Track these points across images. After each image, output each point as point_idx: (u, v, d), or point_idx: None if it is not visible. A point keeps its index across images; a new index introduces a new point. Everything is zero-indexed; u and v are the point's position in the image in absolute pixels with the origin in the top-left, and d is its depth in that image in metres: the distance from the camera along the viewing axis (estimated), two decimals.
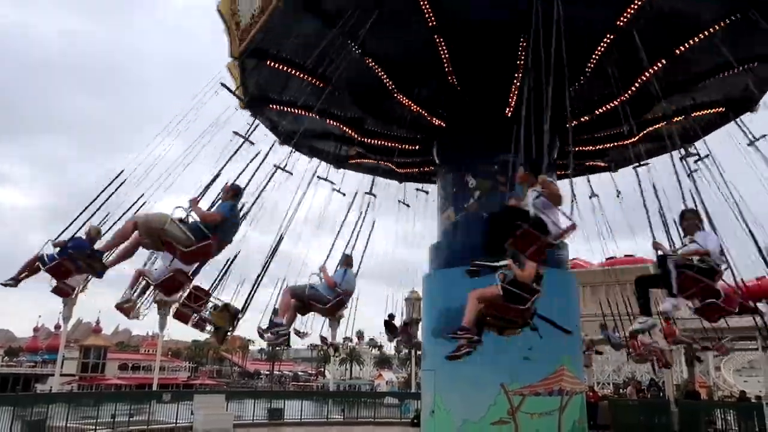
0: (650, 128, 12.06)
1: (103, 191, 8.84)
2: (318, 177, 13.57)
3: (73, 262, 7.18)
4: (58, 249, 7.54)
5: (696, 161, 11.39)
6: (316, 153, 14.24)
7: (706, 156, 11.38)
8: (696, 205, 9.16)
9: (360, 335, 79.13)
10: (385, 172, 14.84)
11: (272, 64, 10.56)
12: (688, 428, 18.51)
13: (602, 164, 14.33)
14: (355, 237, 12.78)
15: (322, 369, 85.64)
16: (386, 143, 13.22)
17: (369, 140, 13.09)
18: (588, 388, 10.98)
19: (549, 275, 11.00)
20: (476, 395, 10.13)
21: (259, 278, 11.35)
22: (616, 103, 10.80)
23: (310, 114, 11.45)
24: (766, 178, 10.17)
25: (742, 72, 10.18)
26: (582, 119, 11.55)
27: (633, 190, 12.61)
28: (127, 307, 9.44)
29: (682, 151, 11.37)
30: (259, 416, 22.39)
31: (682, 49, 9.60)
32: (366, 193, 14.56)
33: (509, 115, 10.77)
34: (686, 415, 18.76)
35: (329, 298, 8.58)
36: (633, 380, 34.50)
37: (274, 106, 12.08)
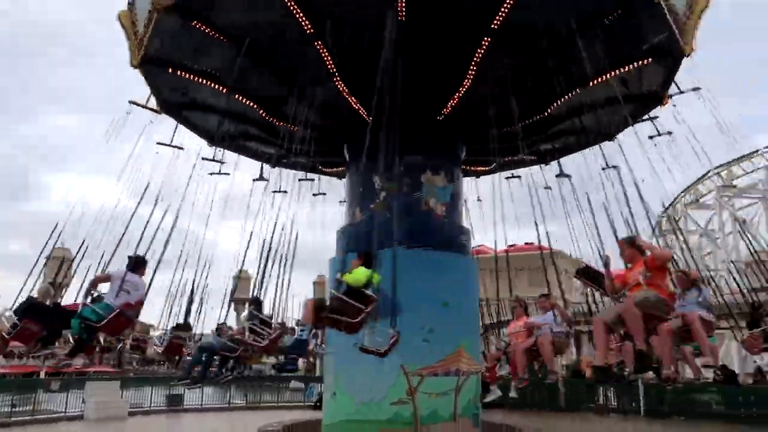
0: (557, 126, 12.85)
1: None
2: (203, 158, 12.93)
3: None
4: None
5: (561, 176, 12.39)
6: (245, 152, 13.94)
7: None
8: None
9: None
10: (303, 167, 14.81)
11: (173, 71, 10.22)
12: (572, 404, 20.01)
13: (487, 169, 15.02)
14: (270, 224, 12.61)
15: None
16: (300, 128, 13.17)
17: (283, 124, 12.98)
18: (484, 368, 11.53)
19: (450, 260, 11.50)
20: (377, 377, 10.36)
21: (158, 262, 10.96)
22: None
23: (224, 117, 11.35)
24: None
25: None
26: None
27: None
28: None
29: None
30: (158, 403, 21.65)
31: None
32: (275, 191, 14.42)
33: (419, 117, 11.13)
34: (572, 393, 20.26)
35: None
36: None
37: (177, 72, 11.53)
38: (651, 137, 11.78)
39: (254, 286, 11.34)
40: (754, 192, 34.32)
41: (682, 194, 36.41)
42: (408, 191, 11.61)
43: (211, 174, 12.78)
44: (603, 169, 11.61)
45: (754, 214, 34.73)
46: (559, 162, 13.16)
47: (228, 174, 13.21)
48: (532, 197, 11.79)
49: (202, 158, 12.62)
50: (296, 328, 11.76)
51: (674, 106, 11.39)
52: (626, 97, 11.37)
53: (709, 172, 33.52)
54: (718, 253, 35.33)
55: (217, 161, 13.02)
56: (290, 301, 14.50)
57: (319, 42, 9.63)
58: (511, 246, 24.90)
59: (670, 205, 37.09)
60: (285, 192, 14.12)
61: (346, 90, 11.07)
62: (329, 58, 10.12)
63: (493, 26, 9.22)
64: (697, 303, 7.29)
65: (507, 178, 13.83)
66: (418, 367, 10.25)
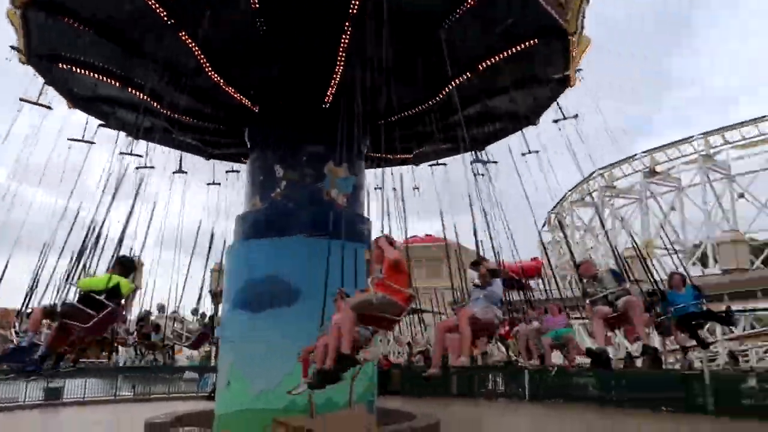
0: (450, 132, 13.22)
1: None
2: (71, 139, 12.22)
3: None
4: None
5: (484, 164, 12.83)
6: (111, 119, 13.01)
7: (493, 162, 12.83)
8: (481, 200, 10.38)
9: (161, 308, 74.87)
10: (191, 147, 14.21)
11: (66, 19, 9.42)
12: (464, 390, 20.94)
13: (409, 157, 15.26)
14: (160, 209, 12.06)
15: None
16: (195, 120, 12.64)
17: (176, 115, 12.39)
18: (382, 356, 11.71)
19: (346, 248, 11.51)
20: (274, 364, 10.23)
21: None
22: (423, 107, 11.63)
23: (110, 81, 10.60)
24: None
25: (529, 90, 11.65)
26: (391, 117, 12.13)
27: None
28: None
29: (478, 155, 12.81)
30: (34, 397, 20.05)
31: (484, 65, 10.47)
32: (175, 172, 13.81)
33: (323, 107, 11.05)
34: (463, 379, 21.17)
35: None
36: (425, 350, 37.63)
37: (65, 66, 10.75)
38: (555, 121, 12.37)
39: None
40: (631, 193, 37.36)
41: (570, 192, 38.91)
42: (310, 182, 11.56)
43: (137, 168, 12.47)
44: (479, 165, 12.12)
45: (631, 213, 37.85)
46: (476, 152, 13.41)
47: (153, 167, 12.95)
48: (439, 192, 12.10)
49: (120, 153, 12.13)
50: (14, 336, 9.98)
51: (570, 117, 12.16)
52: (530, 79, 11.86)
53: (594, 172, 36.11)
54: (599, 249, 38.17)
55: (135, 155, 12.60)
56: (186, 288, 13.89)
57: (183, 33, 9.37)
58: (413, 237, 25.55)
59: (558, 202, 39.63)
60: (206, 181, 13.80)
61: (223, 81, 10.82)
62: (198, 50, 9.87)
63: (351, 12, 9.10)
64: (484, 297, 6.61)
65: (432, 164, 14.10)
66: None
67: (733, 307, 23.17)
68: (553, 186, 12.38)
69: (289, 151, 11.69)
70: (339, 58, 10.03)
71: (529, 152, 12.59)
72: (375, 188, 14.74)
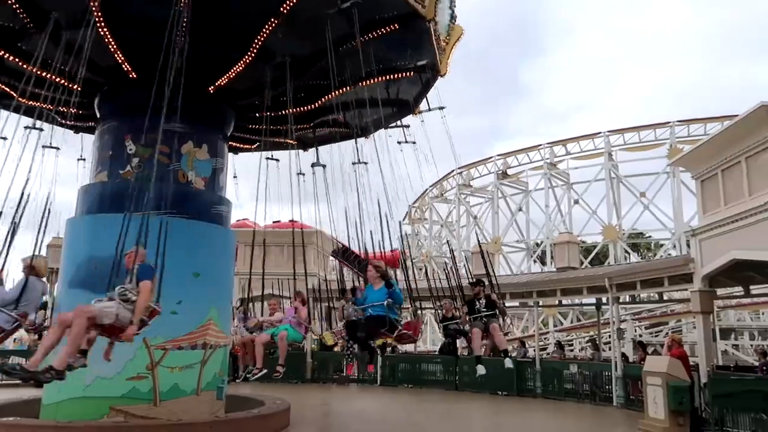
0: (323, 117, 13.18)
1: None
2: None
3: None
4: None
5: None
6: None
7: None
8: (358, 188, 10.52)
9: None
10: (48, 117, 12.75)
11: None
12: (318, 373, 21.21)
13: (291, 142, 14.95)
14: None
15: None
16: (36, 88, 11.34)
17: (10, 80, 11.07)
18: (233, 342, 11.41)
19: (205, 230, 11.08)
20: (113, 350, 9.56)
21: None
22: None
23: None
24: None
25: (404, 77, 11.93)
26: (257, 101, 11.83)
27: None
28: None
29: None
30: None
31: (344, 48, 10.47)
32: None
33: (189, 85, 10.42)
34: (319, 363, 21.45)
35: None
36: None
37: None
38: (399, 143, 12.91)
39: None
40: (485, 192, 40.00)
41: (431, 188, 40.72)
42: (165, 161, 10.93)
43: None
44: (354, 163, 12.30)
45: (483, 211, 40.54)
46: (317, 150, 13.64)
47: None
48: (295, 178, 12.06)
49: None
50: None
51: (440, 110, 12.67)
52: (388, 101, 12.29)
53: (453, 171, 38.10)
54: (454, 243, 40.43)
55: None
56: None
57: None
58: (276, 222, 25.21)
59: (419, 197, 41.26)
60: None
61: (112, 39, 9.89)
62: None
63: (282, 10, 9.14)
64: None
65: (267, 158, 13.74)
66: (163, 340, 9.73)
67: (564, 302, 25.92)
68: (416, 181, 12.88)
69: (143, 126, 10.94)
70: (252, 51, 9.64)
71: (405, 141, 12.89)
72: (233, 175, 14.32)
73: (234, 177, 14.14)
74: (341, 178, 11.83)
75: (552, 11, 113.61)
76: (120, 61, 10.46)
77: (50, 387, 10.13)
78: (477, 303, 9.42)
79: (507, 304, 21.66)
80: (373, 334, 8.09)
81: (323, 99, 12.13)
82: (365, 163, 11.70)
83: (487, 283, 9.86)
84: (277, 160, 12.76)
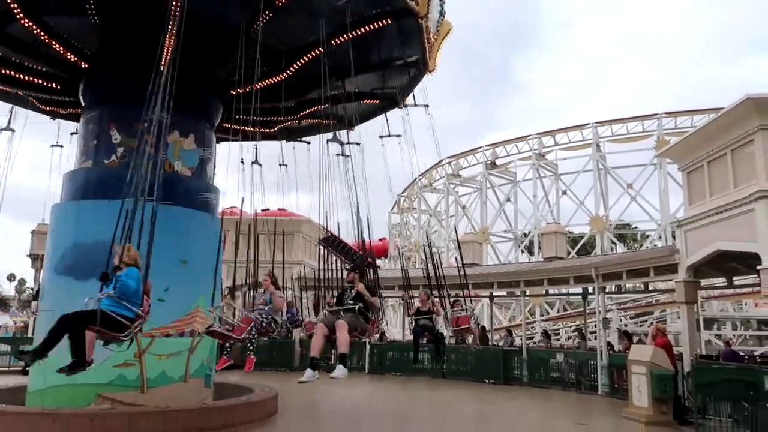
0: (308, 110, 13.14)
1: None
2: None
3: None
4: None
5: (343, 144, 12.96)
6: None
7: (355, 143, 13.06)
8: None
9: None
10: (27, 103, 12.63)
11: None
12: (307, 363, 21.19)
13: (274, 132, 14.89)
14: None
15: None
16: (19, 75, 11.19)
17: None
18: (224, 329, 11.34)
19: (193, 217, 11.01)
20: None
21: None
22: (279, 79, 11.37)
23: None
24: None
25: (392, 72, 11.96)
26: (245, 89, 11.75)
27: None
28: None
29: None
30: None
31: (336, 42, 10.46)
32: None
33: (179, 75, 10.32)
34: (307, 351, 21.42)
35: None
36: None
37: None
38: (381, 137, 12.93)
39: None
40: (473, 182, 40.08)
41: (419, 178, 40.71)
42: (151, 151, 10.84)
43: None
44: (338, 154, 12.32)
45: (472, 201, 40.63)
46: (299, 139, 13.66)
47: None
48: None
49: None
50: None
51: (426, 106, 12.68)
52: (376, 95, 12.27)
53: (442, 161, 38.10)
54: (442, 232, 40.54)
55: None
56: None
57: None
58: (265, 210, 25.10)
59: (408, 186, 41.26)
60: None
61: (99, 21, 9.75)
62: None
63: (277, 3, 9.12)
64: None
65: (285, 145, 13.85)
66: (151, 327, 9.67)
67: (551, 291, 26.13)
68: (406, 170, 12.87)
69: (128, 115, 10.87)
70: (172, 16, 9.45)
71: (389, 135, 12.95)
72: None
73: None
74: (331, 168, 11.81)
75: (548, 5, 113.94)
76: (99, 51, 10.40)
77: (36, 374, 10.09)
78: (347, 293, 7.80)
79: (496, 293, 21.88)
80: None
81: (310, 93, 12.07)
82: (358, 143, 11.83)
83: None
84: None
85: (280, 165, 14.12)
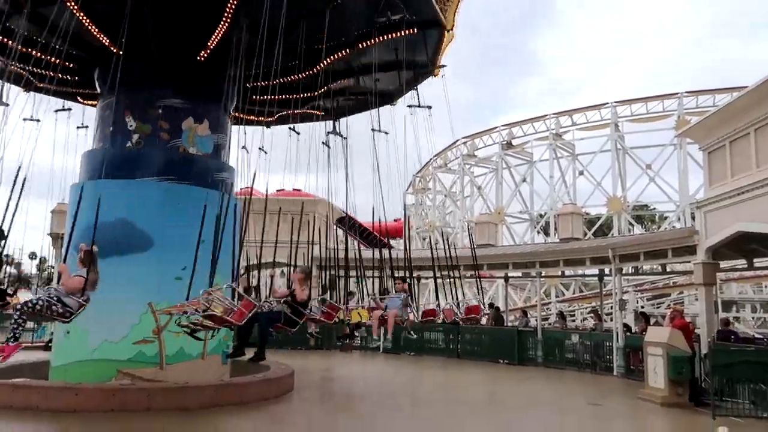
0: (333, 84, 13.08)
1: None
2: None
3: None
4: None
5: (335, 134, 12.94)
6: None
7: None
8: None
9: None
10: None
11: None
12: (323, 341, 21.43)
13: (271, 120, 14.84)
14: None
15: None
16: (30, 50, 11.22)
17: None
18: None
19: (210, 197, 11.07)
20: (119, 315, 9.72)
21: None
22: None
23: None
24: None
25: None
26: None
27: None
28: None
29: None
30: None
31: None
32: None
33: (197, 61, 10.41)
34: (321, 333, 21.61)
35: None
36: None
37: None
38: (410, 107, 12.74)
39: None
40: (489, 163, 39.77)
41: (434, 158, 40.48)
42: (166, 137, 10.93)
43: None
44: (373, 130, 12.29)
45: (487, 181, 40.37)
46: (337, 121, 13.59)
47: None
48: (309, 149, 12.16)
49: None
50: None
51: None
52: (399, 64, 12.11)
53: (457, 141, 37.81)
54: (457, 213, 40.41)
55: None
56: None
57: None
58: (280, 191, 25.12)
59: (423, 167, 41.07)
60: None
61: (85, 17, 9.78)
62: None
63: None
64: None
65: (290, 128, 13.70)
66: (168, 305, 9.81)
67: (566, 273, 26.00)
68: (423, 151, 12.92)
69: (141, 101, 10.96)
70: (227, 13, 9.50)
71: (380, 130, 12.79)
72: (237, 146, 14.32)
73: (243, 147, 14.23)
74: (358, 148, 11.99)
75: None
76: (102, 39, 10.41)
77: (59, 350, 10.32)
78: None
79: (511, 274, 21.81)
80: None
81: (328, 61, 11.98)
82: (386, 133, 11.89)
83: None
84: (298, 133, 12.99)
85: (295, 143, 14.08)
